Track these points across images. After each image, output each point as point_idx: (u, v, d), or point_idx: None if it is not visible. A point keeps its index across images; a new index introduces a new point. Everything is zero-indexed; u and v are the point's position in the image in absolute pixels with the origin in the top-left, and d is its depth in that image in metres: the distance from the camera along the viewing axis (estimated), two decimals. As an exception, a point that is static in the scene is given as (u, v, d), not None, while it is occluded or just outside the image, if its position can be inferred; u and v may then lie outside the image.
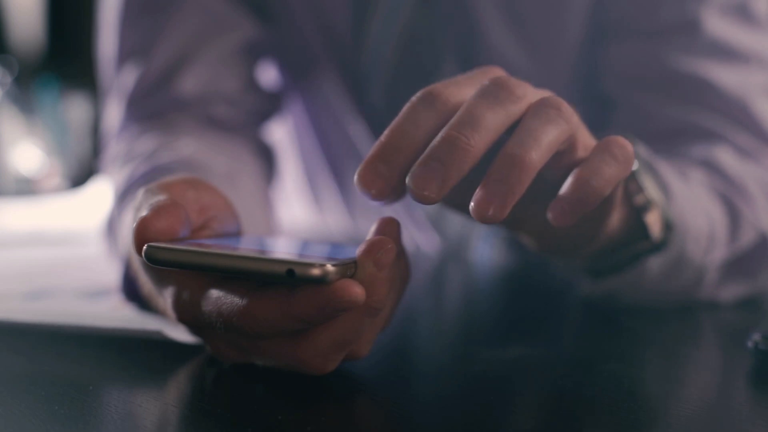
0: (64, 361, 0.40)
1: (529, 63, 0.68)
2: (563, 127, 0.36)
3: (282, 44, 0.73)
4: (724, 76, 0.62)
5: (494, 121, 0.35)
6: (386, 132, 0.36)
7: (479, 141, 0.34)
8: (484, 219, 0.34)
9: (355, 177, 0.36)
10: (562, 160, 0.38)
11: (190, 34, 0.67)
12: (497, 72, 0.39)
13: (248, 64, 0.70)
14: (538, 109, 0.36)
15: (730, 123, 0.61)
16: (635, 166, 0.48)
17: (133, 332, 0.42)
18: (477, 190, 0.34)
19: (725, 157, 0.59)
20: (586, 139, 0.39)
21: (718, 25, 0.62)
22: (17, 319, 0.44)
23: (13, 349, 0.42)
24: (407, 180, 0.34)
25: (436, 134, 0.35)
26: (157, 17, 0.67)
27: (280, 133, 0.81)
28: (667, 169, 0.52)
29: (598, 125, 0.67)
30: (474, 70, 0.39)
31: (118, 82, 0.68)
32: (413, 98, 0.37)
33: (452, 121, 0.35)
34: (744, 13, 0.63)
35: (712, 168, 0.58)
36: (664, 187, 0.50)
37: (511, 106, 0.36)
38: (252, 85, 0.70)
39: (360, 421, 0.35)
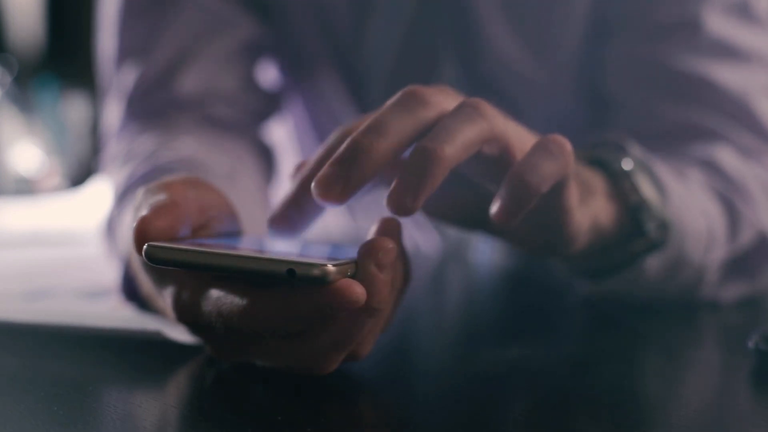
0: (63, 362, 0.40)
1: (530, 63, 0.68)
2: (481, 124, 0.36)
3: (282, 44, 0.73)
4: (725, 75, 0.62)
5: (400, 126, 0.36)
6: (299, 172, 0.40)
7: (383, 144, 0.35)
8: (398, 210, 0.34)
9: (270, 223, 0.39)
10: (499, 164, 0.37)
11: (190, 33, 0.67)
12: (444, 88, 0.39)
13: (248, 64, 0.70)
14: (455, 109, 0.36)
15: (731, 122, 0.61)
16: (629, 165, 0.49)
17: (133, 332, 0.42)
18: (392, 184, 0.34)
19: (726, 156, 0.59)
20: (523, 141, 0.38)
21: (719, 24, 0.62)
22: (17, 319, 0.44)
23: (13, 350, 0.42)
24: (313, 183, 0.35)
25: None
26: (157, 16, 0.67)
27: (280, 133, 0.81)
28: (663, 169, 0.52)
29: (598, 125, 0.67)
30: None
31: (118, 81, 0.68)
32: (330, 136, 0.40)
33: (359, 128, 0.36)
34: (745, 12, 0.63)
35: (712, 168, 0.58)
36: (660, 187, 0.50)
37: (421, 111, 0.36)
38: (251, 84, 0.70)
39: (360, 421, 0.35)
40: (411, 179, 0.34)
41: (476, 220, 0.45)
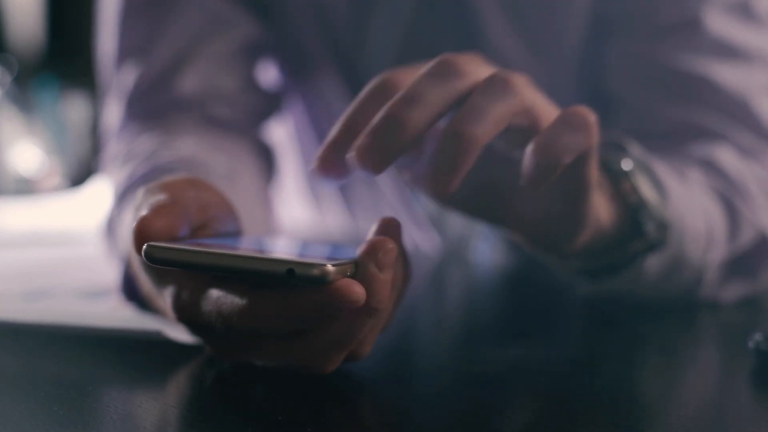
0: (63, 362, 0.40)
1: (530, 62, 0.68)
2: (511, 101, 0.36)
3: (282, 44, 0.73)
4: (726, 74, 0.62)
5: (435, 96, 0.36)
6: (343, 117, 0.38)
7: (418, 116, 0.36)
8: (434, 194, 0.35)
9: (313, 165, 0.38)
10: (527, 136, 0.38)
11: (190, 33, 0.67)
12: (474, 55, 0.40)
13: (248, 64, 0.70)
14: (485, 84, 0.37)
15: (731, 122, 0.61)
16: (629, 166, 0.49)
17: (133, 332, 0.42)
18: (425, 168, 0.35)
19: (726, 156, 0.59)
20: (549, 113, 0.39)
21: (719, 23, 0.62)
22: (17, 319, 0.44)
23: (12, 350, 0.42)
24: (349, 154, 0.36)
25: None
26: (157, 16, 0.67)
27: (280, 133, 0.81)
28: (663, 169, 0.52)
29: (599, 124, 0.67)
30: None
31: (118, 81, 0.68)
32: (370, 84, 0.39)
33: (394, 98, 0.36)
34: (745, 12, 0.63)
35: (712, 167, 0.58)
36: (660, 187, 0.50)
37: (455, 81, 0.37)
38: (251, 84, 0.70)
39: (360, 421, 0.35)
40: (445, 163, 0.35)
41: (487, 208, 0.45)
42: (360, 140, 0.36)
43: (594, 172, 0.41)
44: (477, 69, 0.38)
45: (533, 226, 0.46)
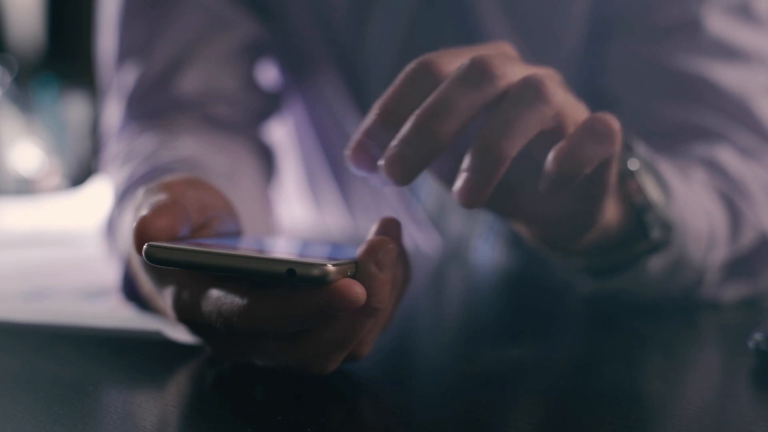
0: (63, 362, 0.40)
1: (530, 62, 0.68)
2: (542, 109, 0.36)
3: (282, 44, 0.73)
4: (726, 75, 0.62)
5: (466, 104, 0.36)
6: (379, 103, 0.37)
7: (449, 126, 0.35)
8: (467, 205, 0.35)
9: (347, 152, 0.38)
10: (551, 138, 0.38)
11: (190, 33, 0.67)
12: (504, 48, 0.39)
13: (248, 64, 0.70)
14: (516, 92, 0.36)
15: (731, 122, 0.61)
16: (635, 165, 0.48)
17: (133, 332, 0.42)
18: (458, 178, 0.35)
19: (727, 156, 0.58)
20: (577, 115, 0.38)
21: (719, 24, 0.62)
22: (17, 319, 0.44)
23: (13, 350, 0.42)
24: (382, 161, 0.36)
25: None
26: (157, 16, 0.67)
27: (280, 133, 0.81)
28: (668, 169, 0.52)
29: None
30: (480, 45, 0.40)
31: (118, 81, 0.68)
32: (407, 68, 0.38)
33: (424, 104, 0.36)
34: (746, 13, 0.63)
35: (714, 167, 0.58)
36: (664, 187, 0.50)
37: (487, 87, 0.36)
38: (251, 84, 0.70)
39: (360, 421, 0.35)
40: (476, 175, 0.35)
41: (501, 202, 0.45)
42: (391, 151, 0.35)
43: (614, 178, 0.41)
44: (511, 70, 0.37)
45: (544, 223, 0.46)
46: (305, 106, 0.78)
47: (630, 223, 0.48)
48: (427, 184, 0.76)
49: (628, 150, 0.50)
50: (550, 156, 0.37)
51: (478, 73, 0.36)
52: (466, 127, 0.36)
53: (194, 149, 0.59)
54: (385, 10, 0.69)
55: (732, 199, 0.56)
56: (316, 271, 0.32)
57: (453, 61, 0.38)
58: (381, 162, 0.36)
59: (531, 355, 0.45)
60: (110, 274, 0.53)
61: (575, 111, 0.38)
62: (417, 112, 0.36)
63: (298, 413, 0.34)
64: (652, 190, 0.48)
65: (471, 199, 0.35)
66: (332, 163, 0.80)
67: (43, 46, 2.39)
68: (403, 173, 0.35)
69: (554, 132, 0.38)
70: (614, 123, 0.37)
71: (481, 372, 0.40)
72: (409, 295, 0.40)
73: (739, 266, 0.56)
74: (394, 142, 0.36)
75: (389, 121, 0.37)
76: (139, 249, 0.35)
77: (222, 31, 0.68)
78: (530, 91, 0.36)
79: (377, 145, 0.37)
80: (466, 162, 0.35)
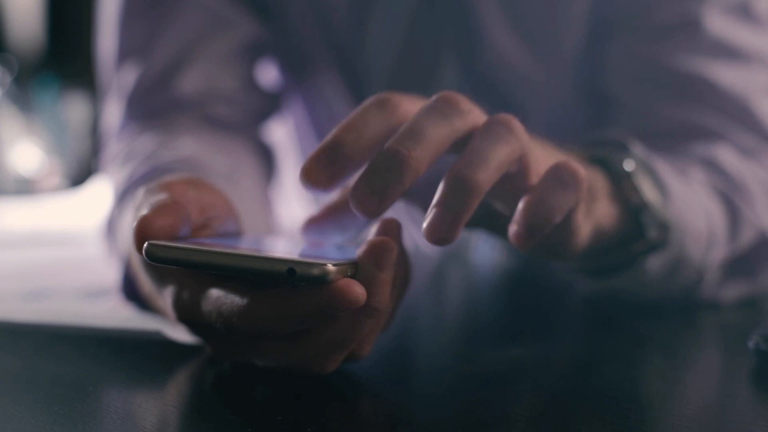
0: (63, 362, 0.40)
1: (530, 62, 0.68)
2: (514, 145, 0.36)
3: (282, 44, 0.73)
4: (726, 75, 0.62)
5: (438, 135, 0.35)
6: (335, 130, 0.37)
7: (421, 154, 0.34)
8: (437, 242, 0.34)
9: (299, 172, 0.37)
10: (513, 182, 0.37)
11: (190, 33, 0.67)
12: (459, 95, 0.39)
13: (248, 64, 0.70)
14: (487, 127, 0.36)
15: (731, 122, 0.61)
16: (631, 167, 0.49)
17: (133, 332, 0.42)
18: (428, 213, 0.34)
19: (726, 156, 0.59)
20: (539, 161, 0.38)
21: (719, 24, 0.62)
22: (17, 319, 0.44)
23: (13, 350, 0.42)
24: (350, 195, 0.34)
25: (384, 139, 0.36)
26: (157, 16, 0.67)
27: (280, 133, 0.81)
28: (665, 169, 0.52)
29: (599, 124, 0.67)
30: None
31: (118, 81, 0.68)
32: (366, 101, 0.38)
33: (396, 135, 0.35)
34: (745, 12, 0.63)
35: (713, 167, 0.58)
36: (662, 187, 0.50)
37: (456, 120, 0.36)
38: (251, 84, 0.70)
39: (360, 421, 0.35)
40: (448, 210, 0.34)
41: (480, 217, 0.45)
42: (359, 181, 0.34)
43: (581, 216, 0.41)
44: (476, 109, 0.37)
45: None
46: (305, 106, 0.78)
47: (627, 224, 0.48)
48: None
49: (624, 150, 0.50)
50: (519, 208, 0.36)
51: (448, 106, 0.36)
52: (435, 159, 0.35)
53: (194, 149, 0.59)
54: (385, 10, 0.69)
55: (731, 198, 0.56)
56: (316, 271, 0.32)
57: (410, 100, 0.37)
58: (350, 194, 0.34)
59: (531, 355, 0.45)
60: (110, 274, 0.53)
61: (538, 158, 0.38)
62: (389, 142, 0.35)
63: (298, 413, 0.34)
64: (648, 191, 0.48)
65: (442, 234, 0.34)
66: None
67: (43, 46, 2.39)
68: (373, 205, 0.34)
69: (516, 176, 0.37)
70: (579, 170, 0.37)
71: (481, 372, 0.41)
72: (409, 295, 0.40)
73: (738, 266, 0.56)
74: (363, 173, 0.34)
75: (342, 148, 0.36)
76: (139, 248, 0.35)
77: (222, 31, 0.68)
78: (501, 127, 0.36)
79: (331, 165, 0.36)
80: (436, 197, 0.34)
